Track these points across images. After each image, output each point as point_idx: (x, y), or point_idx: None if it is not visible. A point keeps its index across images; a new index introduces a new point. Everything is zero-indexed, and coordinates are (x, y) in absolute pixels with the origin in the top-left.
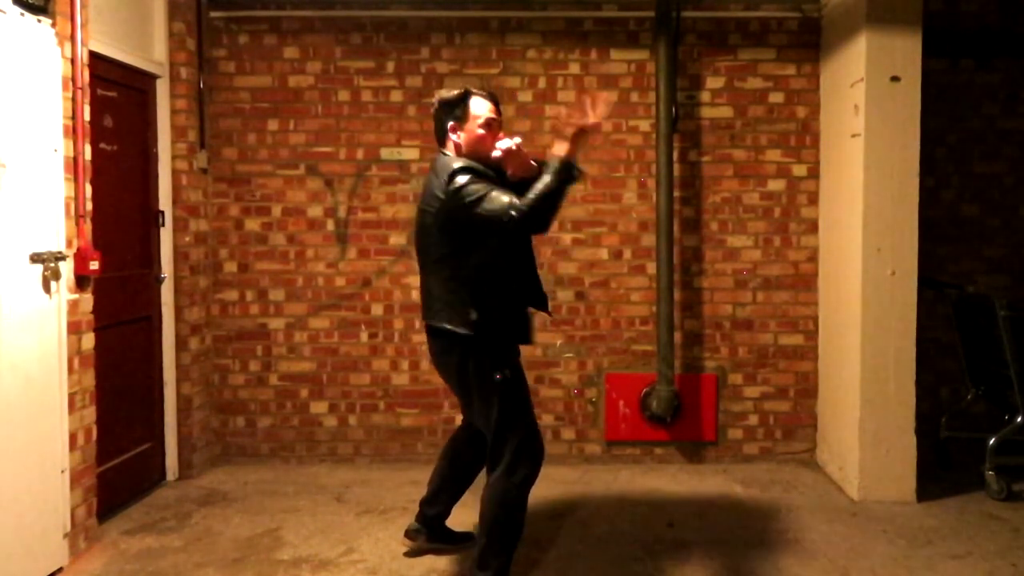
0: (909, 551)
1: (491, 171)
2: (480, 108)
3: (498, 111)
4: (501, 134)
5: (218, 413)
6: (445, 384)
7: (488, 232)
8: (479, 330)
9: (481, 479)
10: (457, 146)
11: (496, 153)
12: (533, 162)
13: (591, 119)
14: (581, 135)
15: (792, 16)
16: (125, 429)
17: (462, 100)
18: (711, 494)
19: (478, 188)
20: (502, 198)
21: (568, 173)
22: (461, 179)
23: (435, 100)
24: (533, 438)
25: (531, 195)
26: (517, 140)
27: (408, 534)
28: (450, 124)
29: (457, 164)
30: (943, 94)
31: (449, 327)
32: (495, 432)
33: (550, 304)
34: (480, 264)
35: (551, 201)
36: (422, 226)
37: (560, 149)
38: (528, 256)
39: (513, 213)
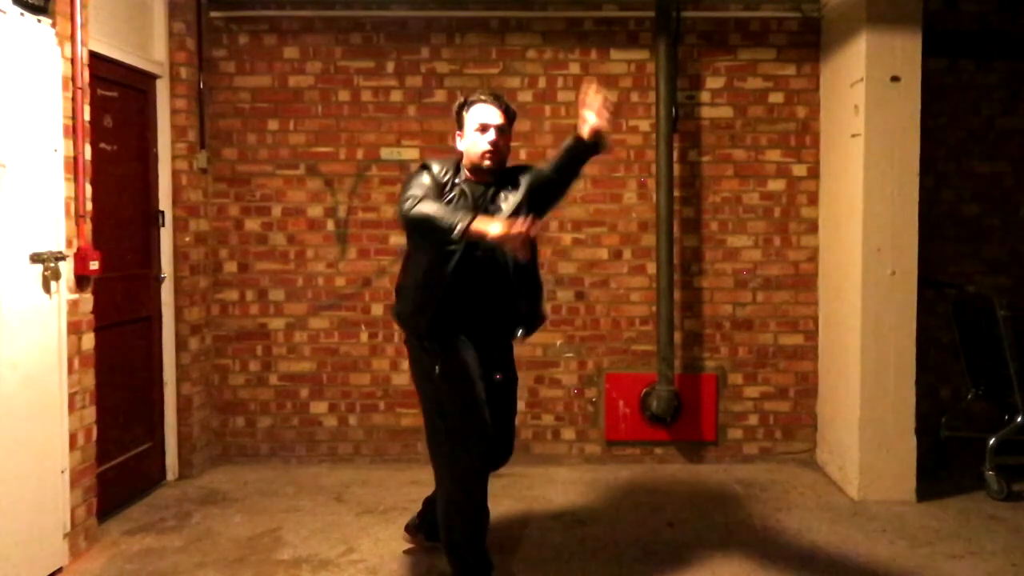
0: (909, 551)
1: (482, 184)
2: (474, 116)
3: (506, 113)
4: (494, 138)
5: (218, 413)
6: None
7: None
8: (409, 323)
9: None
10: (458, 151)
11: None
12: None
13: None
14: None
15: (792, 16)
16: (125, 429)
17: (460, 108)
18: (711, 494)
19: (409, 182)
20: (411, 191)
21: (461, 230)
22: (411, 177)
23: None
24: (465, 437)
25: (431, 209)
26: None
27: (408, 529)
28: (457, 132)
29: (425, 161)
30: (943, 94)
31: (395, 317)
32: (427, 435)
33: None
34: (420, 267)
35: (430, 223)
36: None
37: (489, 225)
38: (483, 283)
39: (405, 206)
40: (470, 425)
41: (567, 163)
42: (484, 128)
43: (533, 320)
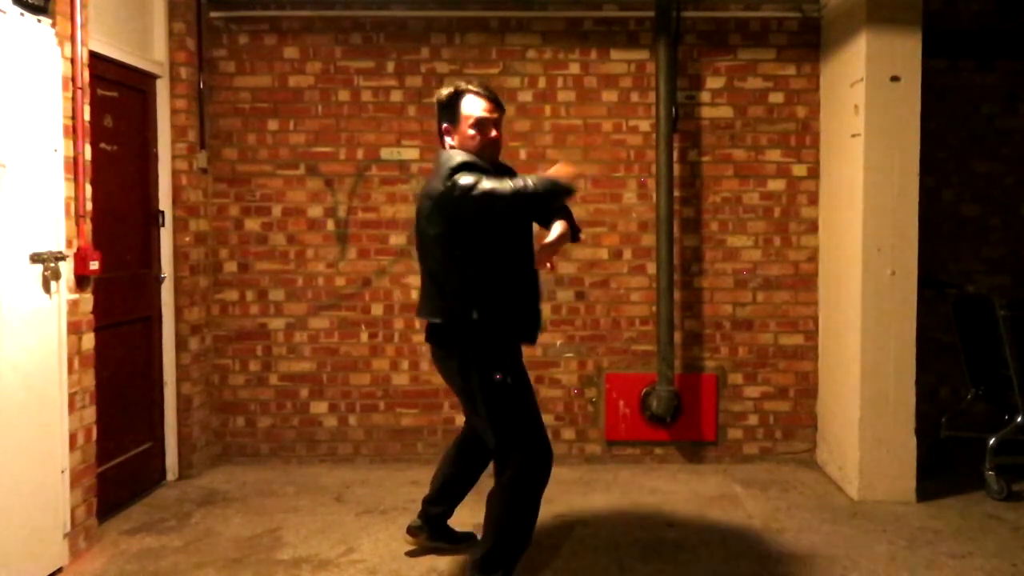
0: (909, 551)
1: (490, 168)
2: (472, 107)
3: (497, 107)
4: (494, 132)
5: (218, 413)
6: (446, 384)
7: (487, 225)
8: (479, 329)
9: (484, 480)
10: (451, 146)
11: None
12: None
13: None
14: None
15: (792, 16)
16: (125, 429)
17: (453, 100)
18: (711, 494)
19: (474, 177)
20: (478, 179)
21: (555, 194)
22: (458, 173)
23: (435, 99)
24: (539, 442)
25: (497, 186)
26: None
27: (410, 530)
28: (444, 125)
29: (458, 158)
30: (943, 94)
31: (446, 324)
32: (499, 437)
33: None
34: (480, 261)
35: (498, 199)
36: (421, 223)
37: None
38: (530, 256)
39: (465, 183)
40: (539, 421)
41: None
42: (482, 122)
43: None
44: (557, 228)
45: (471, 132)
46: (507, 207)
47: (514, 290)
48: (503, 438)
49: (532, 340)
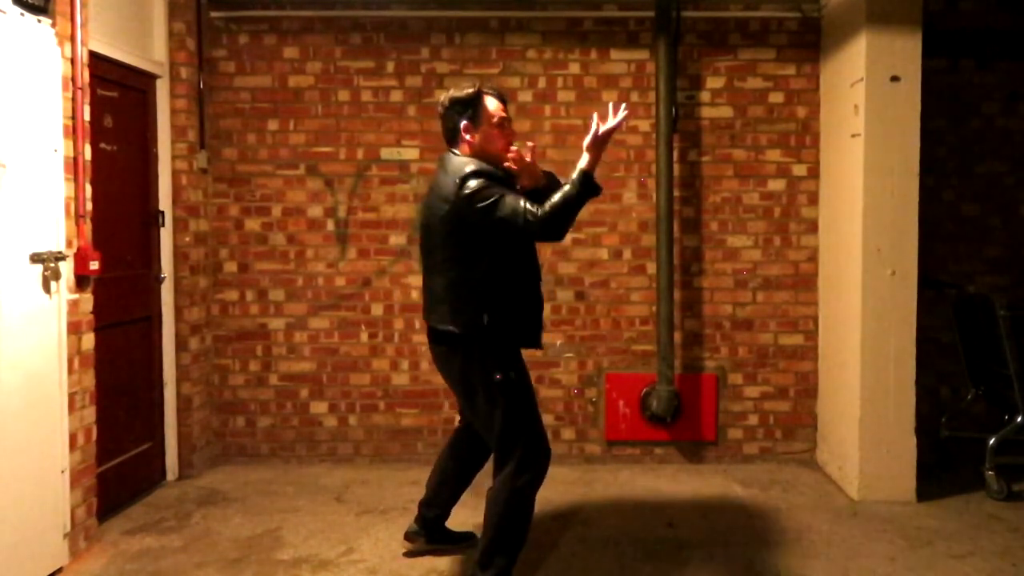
0: (909, 551)
1: (500, 172)
2: (494, 107)
3: (506, 109)
4: (511, 132)
5: (218, 413)
6: (446, 384)
7: (500, 236)
8: (485, 332)
9: (479, 480)
10: (471, 145)
11: (508, 163)
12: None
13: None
14: (601, 144)
15: (792, 16)
16: (125, 429)
17: (476, 99)
18: (711, 494)
19: (491, 193)
20: (517, 203)
21: (590, 186)
22: (473, 183)
23: (445, 98)
24: (538, 441)
25: (552, 202)
26: (529, 146)
27: (408, 536)
28: (463, 124)
29: (470, 167)
30: (943, 94)
31: (454, 329)
32: (500, 435)
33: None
34: (490, 267)
35: (570, 211)
36: (428, 226)
37: (584, 162)
38: (535, 263)
39: (530, 219)
40: (540, 425)
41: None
42: (502, 122)
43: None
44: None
45: (496, 131)
46: (519, 234)
47: (522, 296)
48: (503, 437)
49: (538, 344)
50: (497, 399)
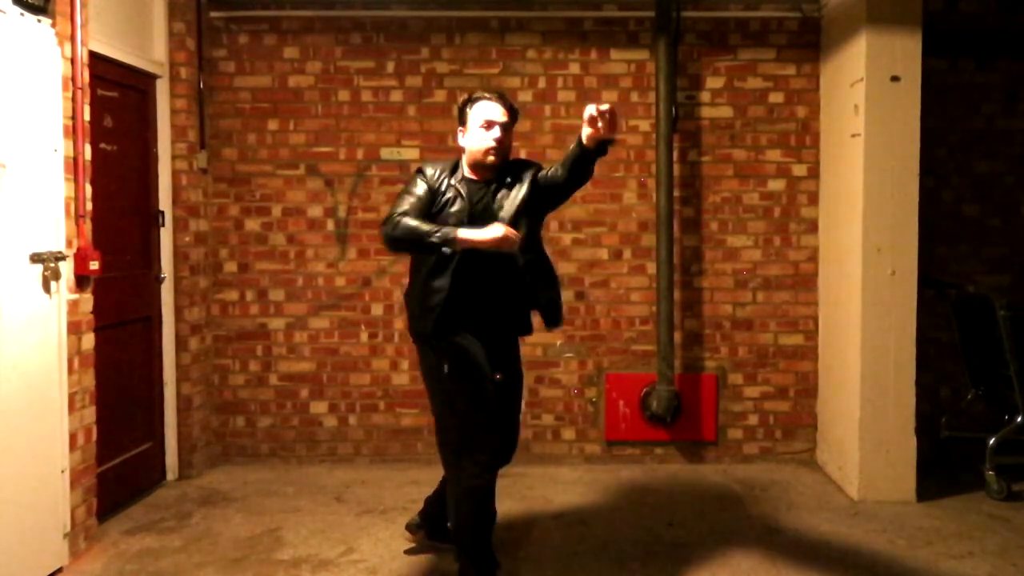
0: (909, 551)
1: (476, 174)
2: (478, 113)
3: (510, 112)
4: (499, 134)
5: (218, 413)
6: None
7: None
8: (414, 316)
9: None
10: (461, 148)
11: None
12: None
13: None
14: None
15: (792, 16)
16: (125, 429)
17: (465, 105)
18: (711, 494)
19: (403, 190)
20: (398, 206)
21: (448, 240)
22: (407, 184)
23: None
24: (472, 439)
25: (410, 224)
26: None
27: (409, 528)
28: (459, 128)
29: (423, 165)
30: (943, 94)
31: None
32: (436, 428)
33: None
34: (422, 271)
35: (409, 239)
36: None
37: (482, 233)
38: (490, 280)
39: (385, 221)
40: (480, 421)
41: (575, 166)
42: (489, 124)
43: (554, 308)
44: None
45: (472, 135)
46: (386, 234)
47: (421, 285)
48: (436, 430)
49: (425, 329)
50: (433, 393)
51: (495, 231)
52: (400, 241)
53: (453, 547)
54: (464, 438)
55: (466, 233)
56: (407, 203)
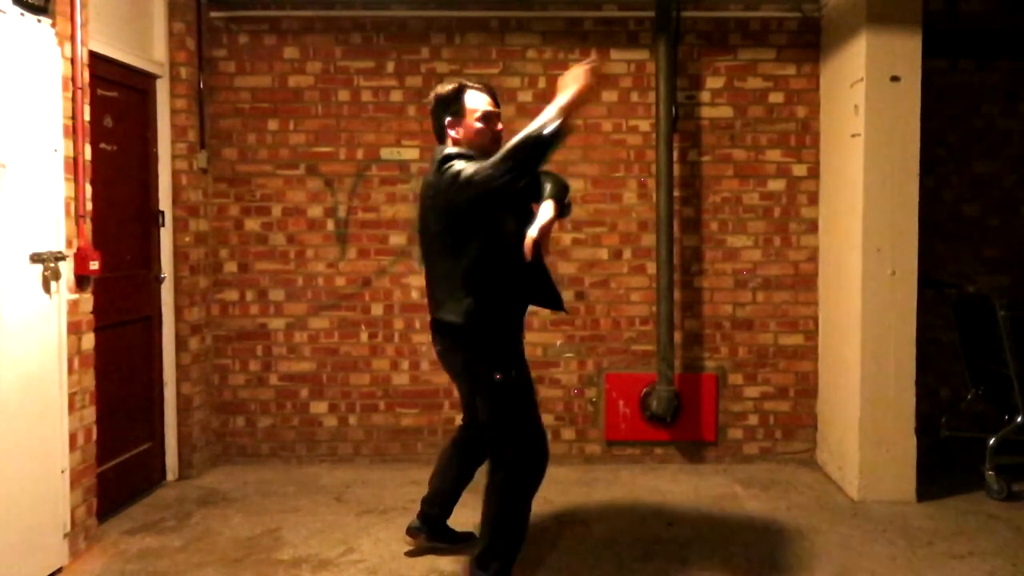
0: (909, 551)
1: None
2: (476, 102)
3: (496, 104)
4: (500, 126)
5: (218, 413)
6: (446, 383)
7: (483, 211)
8: (479, 322)
9: (481, 479)
10: (455, 142)
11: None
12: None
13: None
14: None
15: (792, 16)
16: (125, 429)
17: (457, 95)
18: (711, 494)
19: (459, 163)
20: (467, 166)
21: (553, 123)
22: (447, 163)
23: (431, 97)
24: (534, 442)
25: (509, 144)
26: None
27: (409, 532)
28: (447, 120)
29: (446, 151)
30: (943, 94)
31: (452, 320)
32: (495, 435)
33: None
34: (480, 254)
35: (529, 146)
36: (423, 221)
37: (559, 99)
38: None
39: (490, 168)
40: (537, 423)
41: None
42: (489, 115)
43: (558, 297)
44: (546, 209)
45: (479, 125)
46: (501, 174)
47: (511, 284)
48: (498, 436)
49: (559, 306)
50: (495, 396)
51: (583, 78)
52: (523, 163)
53: (455, 547)
54: (527, 438)
55: (561, 101)
56: (471, 161)
